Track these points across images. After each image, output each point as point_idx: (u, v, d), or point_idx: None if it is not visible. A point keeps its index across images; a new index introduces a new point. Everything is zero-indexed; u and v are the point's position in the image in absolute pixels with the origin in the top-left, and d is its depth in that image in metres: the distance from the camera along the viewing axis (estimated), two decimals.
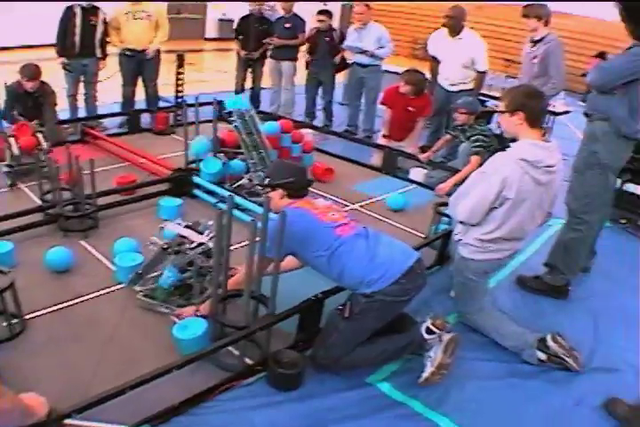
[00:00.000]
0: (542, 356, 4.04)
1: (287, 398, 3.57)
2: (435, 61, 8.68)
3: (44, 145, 6.50)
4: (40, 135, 6.58)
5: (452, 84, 8.24)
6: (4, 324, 3.91)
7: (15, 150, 6.37)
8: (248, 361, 3.76)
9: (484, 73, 8.21)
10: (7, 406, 2.10)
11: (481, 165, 4.16)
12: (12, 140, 6.40)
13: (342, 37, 9.41)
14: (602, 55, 15.31)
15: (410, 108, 7.75)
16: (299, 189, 3.86)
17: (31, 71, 7.02)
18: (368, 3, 8.91)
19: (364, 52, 8.88)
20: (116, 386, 3.06)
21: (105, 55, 8.57)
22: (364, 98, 9.54)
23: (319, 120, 10.21)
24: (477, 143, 6.86)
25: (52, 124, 7.38)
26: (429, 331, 3.74)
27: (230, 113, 6.06)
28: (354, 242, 3.60)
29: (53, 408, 2.72)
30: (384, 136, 8.25)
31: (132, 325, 4.14)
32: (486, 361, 4.13)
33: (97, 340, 3.95)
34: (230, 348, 3.81)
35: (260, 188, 5.92)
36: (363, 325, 3.64)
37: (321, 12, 9.43)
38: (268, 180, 3.89)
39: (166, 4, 9.61)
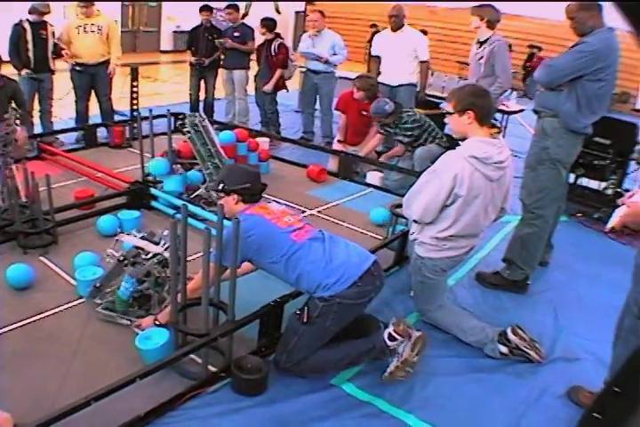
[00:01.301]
0: (504, 349, 4.11)
1: (253, 404, 3.58)
2: (375, 61, 8.82)
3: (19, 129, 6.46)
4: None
5: (396, 79, 8.41)
6: None
7: None
8: (212, 369, 3.77)
9: (426, 62, 8.45)
10: None
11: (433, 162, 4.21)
12: None
13: (280, 50, 9.45)
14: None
15: (364, 113, 7.84)
16: (254, 195, 3.85)
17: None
18: (322, 10, 9.03)
19: (319, 58, 8.94)
20: (80, 398, 3.06)
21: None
22: (319, 104, 9.62)
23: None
24: (409, 133, 7.27)
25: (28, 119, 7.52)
26: (392, 338, 3.77)
27: (184, 124, 6.08)
28: (310, 246, 3.63)
29: (18, 423, 2.72)
30: (339, 141, 8.36)
31: (95, 338, 4.13)
32: (449, 357, 4.18)
33: (61, 354, 3.94)
34: (194, 356, 3.83)
35: (215, 195, 5.97)
36: (322, 328, 3.65)
37: (264, 24, 9.49)
38: (221, 185, 3.84)
39: (118, 19, 9.61)
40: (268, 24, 9.39)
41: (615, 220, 3.27)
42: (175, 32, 22.57)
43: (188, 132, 5.99)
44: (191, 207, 5.31)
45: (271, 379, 3.73)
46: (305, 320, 3.61)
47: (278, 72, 9.44)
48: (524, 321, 4.40)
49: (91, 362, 3.88)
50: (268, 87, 9.48)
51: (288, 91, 9.93)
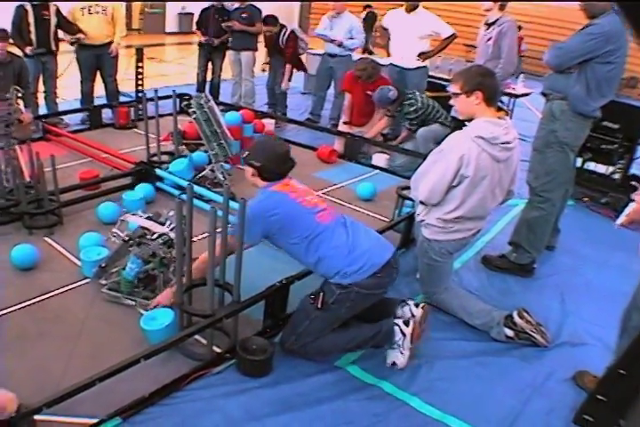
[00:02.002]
0: (510, 333, 4.09)
1: (258, 385, 3.58)
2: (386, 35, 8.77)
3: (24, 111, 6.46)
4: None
5: (407, 61, 8.27)
6: None
7: None
8: (217, 349, 3.77)
9: (452, 36, 8.18)
10: None
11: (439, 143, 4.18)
12: None
13: (288, 43, 9.44)
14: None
15: (368, 93, 7.81)
16: (270, 175, 3.74)
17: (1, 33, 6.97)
18: None
19: (332, 41, 8.89)
20: (84, 379, 3.06)
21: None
22: (334, 88, 9.50)
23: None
24: (412, 121, 7.41)
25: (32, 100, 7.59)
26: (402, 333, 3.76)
27: (189, 105, 6.04)
28: (333, 230, 3.60)
29: (23, 404, 2.72)
30: (345, 123, 8.32)
31: (100, 318, 4.13)
32: (455, 340, 4.17)
33: (65, 335, 3.94)
34: (199, 337, 3.83)
35: (222, 177, 5.95)
36: (335, 315, 3.65)
37: (266, 22, 9.44)
38: (246, 153, 3.80)
39: None
40: (270, 21, 9.36)
41: (624, 217, 3.27)
42: (180, 14, 22.45)
43: (194, 112, 5.94)
44: (196, 188, 5.28)
45: (276, 360, 3.72)
46: (319, 306, 3.59)
47: (288, 69, 9.49)
48: (530, 305, 4.37)
49: (96, 343, 3.88)
50: (285, 86, 9.55)
51: (307, 71, 9.92)
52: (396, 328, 3.73)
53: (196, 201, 4.56)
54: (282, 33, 9.33)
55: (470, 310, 4.28)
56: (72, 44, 8.39)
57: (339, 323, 3.73)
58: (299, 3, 25.58)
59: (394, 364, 3.77)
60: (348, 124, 8.23)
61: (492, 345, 4.13)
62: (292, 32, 9.38)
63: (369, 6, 19.68)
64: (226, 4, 9.92)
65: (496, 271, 5.16)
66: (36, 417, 2.92)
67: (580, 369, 3.84)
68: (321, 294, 3.61)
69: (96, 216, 5.54)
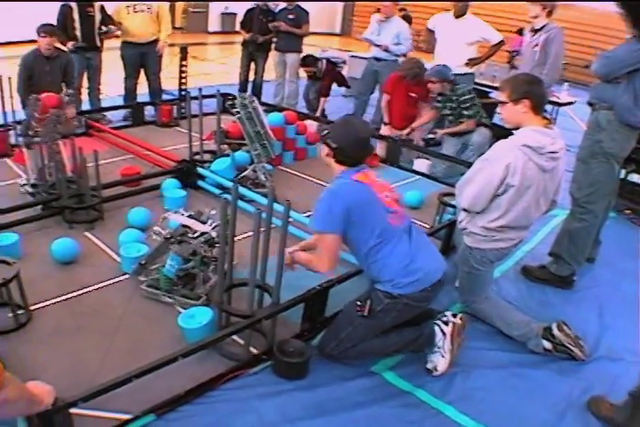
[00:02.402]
0: (548, 345, 4.03)
1: (293, 387, 3.57)
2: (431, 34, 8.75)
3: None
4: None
5: (453, 68, 8.03)
6: (10, 315, 3.93)
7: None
8: (253, 350, 3.77)
9: (500, 43, 8.17)
10: (14, 395, 2.10)
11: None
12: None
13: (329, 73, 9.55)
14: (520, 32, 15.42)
15: (411, 94, 7.76)
16: (345, 159, 3.53)
17: (47, 27, 7.06)
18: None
19: (378, 46, 8.85)
20: (121, 375, 3.07)
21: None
22: (378, 92, 9.37)
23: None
24: (467, 104, 7.14)
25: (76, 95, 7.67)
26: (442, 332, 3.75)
27: (234, 105, 6.05)
28: (400, 236, 3.51)
29: (59, 397, 2.73)
30: (385, 124, 8.26)
31: (138, 315, 4.15)
32: (492, 350, 4.11)
33: (103, 330, 3.96)
34: (236, 337, 3.83)
35: (263, 178, 5.95)
36: (379, 323, 3.62)
37: (305, 63, 9.55)
38: (325, 131, 3.58)
39: None
40: (310, 61, 9.56)
41: None
42: (224, 13, 22.57)
43: (238, 112, 5.95)
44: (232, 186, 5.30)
45: (312, 363, 3.71)
46: (366, 314, 3.55)
47: (322, 101, 9.68)
48: (568, 317, 4.29)
49: (133, 338, 3.89)
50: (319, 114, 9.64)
51: (349, 87, 9.95)
52: (437, 328, 3.73)
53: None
54: (319, 67, 9.39)
55: (509, 321, 4.22)
56: (100, 34, 8.42)
57: (381, 330, 3.70)
58: (341, 5, 25.60)
59: (434, 368, 3.74)
60: (389, 126, 8.16)
61: (529, 357, 4.06)
62: (328, 62, 9.44)
63: (403, 9, 19.57)
64: (270, 4, 9.93)
65: (535, 282, 5.09)
66: (72, 411, 2.92)
67: (594, 395, 3.71)
68: (368, 301, 3.55)
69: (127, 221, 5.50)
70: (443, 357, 3.71)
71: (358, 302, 3.59)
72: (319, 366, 3.74)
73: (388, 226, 3.44)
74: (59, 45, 7.36)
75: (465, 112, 7.29)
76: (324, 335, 3.83)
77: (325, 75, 9.52)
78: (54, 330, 3.95)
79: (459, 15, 8.02)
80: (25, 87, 7.11)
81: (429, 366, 3.76)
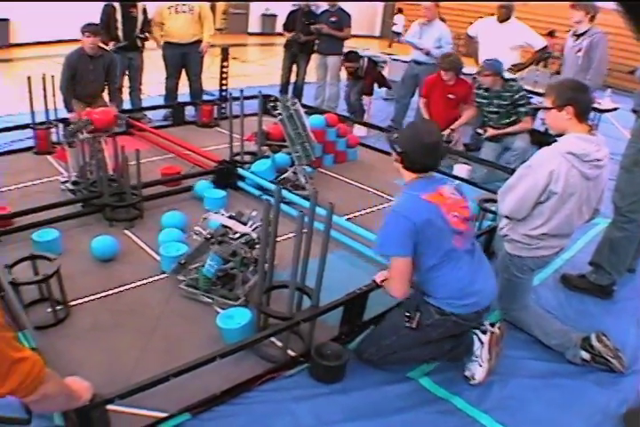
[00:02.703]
0: (586, 356, 3.96)
1: (329, 391, 3.56)
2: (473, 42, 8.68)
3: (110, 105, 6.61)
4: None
5: None
6: (49, 310, 3.98)
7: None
8: (291, 353, 3.76)
9: (544, 48, 8.14)
10: (53, 390, 2.11)
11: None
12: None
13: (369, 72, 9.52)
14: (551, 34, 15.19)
15: (450, 96, 7.68)
16: (413, 165, 3.41)
17: (91, 27, 7.14)
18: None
19: (420, 49, 8.80)
20: (159, 373, 3.09)
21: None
22: (418, 95, 9.14)
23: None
24: (523, 101, 6.94)
25: (117, 94, 7.86)
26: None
27: (276, 107, 6.06)
28: (462, 257, 3.42)
29: (97, 393, 2.75)
30: None
31: (176, 314, 4.17)
32: (529, 360, 4.06)
33: (140, 328, 3.99)
34: (273, 339, 3.83)
35: (303, 180, 5.93)
36: (425, 336, 3.57)
37: (348, 58, 9.50)
38: (394, 135, 3.47)
39: None
40: (353, 57, 9.48)
41: None
42: (264, 15, 22.66)
43: (280, 114, 5.96)
44: (274, 189, 5.30)
45: (349, 367, 3.68)
46: (414, 326, 3.51)
47: (367, 100, 9.74)
48: (607, 328, 4.25)
49: (170, 337, 3.91)
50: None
51: (391, 88, 9.90)
52: (475, 337, 3.68)
53: None
54: (360, 64, 9.36)
55: (547, 330, 4.17)
56: (140, 39, 8.54)
57: (423, 343, 3.66)
58: (381, 7, 25.60)
59: (472, 377, 3.70)
60: None
61: (566, 367, 4.00)
62: (370, 60, 9.39)
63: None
64: (312, 6, 9.93)
65: (574, 291, 5.01)
66: (108, 407, 2.93)
67: (631, 407, 3.63)
68: (418, 314, 3.50)
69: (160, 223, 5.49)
70: (480, 366, 3.67)
71: (407, 314, 3.54)
72: (355, 370, 3.72)
73: (451, 248, 3.35)
74: (102, 45, 7.41)
75: (522, 109, 7.07)
76: (365, 340, 3.81)
77: (367, 73, 9.48)
78: (92, 326, 3.98)
79: (503, 19, 7.96)
80: (68, 86, 7.19)
81: (467, 373, 3.72)
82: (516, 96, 6.95)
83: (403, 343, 3.61)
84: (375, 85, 9.93)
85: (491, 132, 7.36)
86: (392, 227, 3.28)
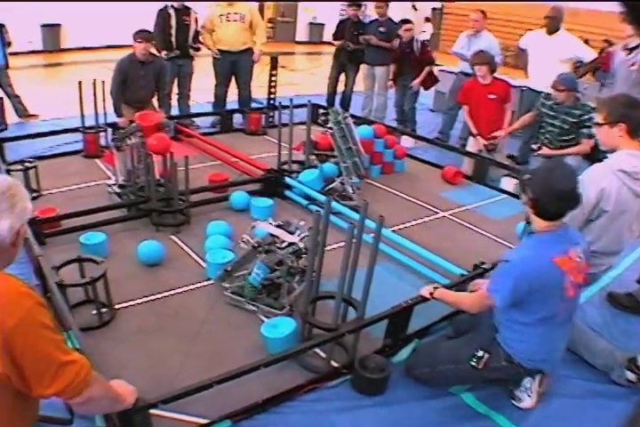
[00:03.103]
0: (632, 376, 3.88)
1: (371, 403, 3.54)
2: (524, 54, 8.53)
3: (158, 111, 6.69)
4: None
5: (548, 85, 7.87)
6: (94, 312, 4.03)
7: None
8: (334, 364, 3.74)
9: (595, 61, 8.01)
10: (98, 393, 2.14)
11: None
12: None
13: (424, 49, 9.33)
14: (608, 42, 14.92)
15: (491, 96, 7.48)
16: (543, 212, 3.21)
17: (144, 33, 7.22)
18: (483, 10, 8.76)
19: (468, 60, 8.68)
20: (203, 380, 3.10)
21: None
22: None
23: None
24: (588, 123, 6.56)
25: (166, 100, 7.92)
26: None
27: (327, 120, 6.06)
28: (556, 325, 3.33)
29: (141, 397, 2.76)
30: (473, 136, 7.85)
31: (220, 320, 4.18)
32: (573, 379, 3.97)
33: (184, 333, 4.01)
34: (316, 349, 3.82)
35: (351, 191, 5.90)
36: (482, 375, 3.49)
37: (406, 21, 9.34)
38: (527, 176, 3.24)
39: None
40: (411, 25, 9.31)
41: None
42: (311, 23, 22.73)
43: (331, 128, 5.96)
44: (324, 200, 5.28)
45: (391, 380, 3.65)
46: (480, 367, 3.42)
47: (427, 68, 9.28)
48: None
49: (213, 343, 3.93)
50: (416, 83, 9.33)
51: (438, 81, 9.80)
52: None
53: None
54: (414, 40, 9.25)
55: (593, 349, 4.10)
56: (191, 48, 8.67)
57: (478, 378, 3.59)
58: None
59: (519, 403, 3.62)
60: (479, 137, 7.72)
61: (611, 388, 3.91)
62: (424, 42, 9.30)
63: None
64: (361, 16, 9.92)
65: (621, 310, 4.92)
66: (151, 411, 2.95)
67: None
68: (487, 355, 3.42)
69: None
70: (529, 396, 3.59)
71: (476, 353, 3.44)
72: (398, 383, 3.69)
73: (552, 314, 3.25)
74: (153, 51, 7.50)
75: (585, 130, 6.67)
76: (419, 358, 3.76)
77: (424, 50, 9.28)
78: (136, 330, 4.03)
79: (551, 31, 7.85)
80: (118, 91, 7.28)
81: (515, 402, 3.63)
82: (585, 117, 6.73)
83: (458, 375, 3.54)
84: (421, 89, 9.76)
85: (546, 151, 7.00)
86: (501, 275, 3.21)
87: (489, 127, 7.53)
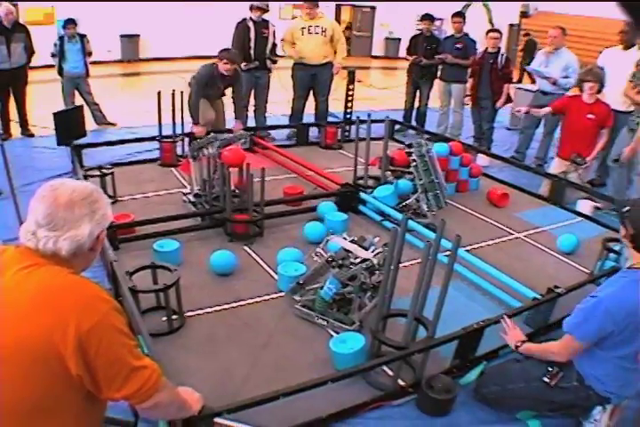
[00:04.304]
0: None
1: (436, 424, 3.50)
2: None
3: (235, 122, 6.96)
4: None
5: (623, 104, 7.55)
6: (164, 318, 4.10)
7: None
8: (400, 382, 3.71)
9: None
10: (166, 399, 2.17)
11: None
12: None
13: (507, 64, 9.16)
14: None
15: (590, 116, 7.14)
16: None
17: (233, 55, 7.43)
18: (563, 26, 8.60)
19: (547, 78, 8.53)
20: (270, 391, 3.11)
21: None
22: (543, 127, 8.98)
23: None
24: None
25: (241, 103, 8.08)
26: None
27: (411, 153, 6.02)
28: (634, 365, 3.24)
29: (207, 406, 2.79)
30: (558, 156, 7.66)
31: (289, 333, 4.19)
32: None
33: (252, 344, 4.04)
34: (385, 367, 3.80)
35: (425, 208, 5.85)
36: (552, 395, 3.42)
37: (494, 30, 9.26)
38: (627, 209, 3.11)
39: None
40: (499, 34, 9.22)
41: None
42: (387, 38, 22.78)
43: (414, 160, 5.91)
44: (399, 217, 5.27)
45: (457, 402, 3.61)
46: (552, 384, 3.38)
47: (506, 87, 9.15)
48: None
49: (281, 355, 3.94)
50: (500, 104, 9.25)
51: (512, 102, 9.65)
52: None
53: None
54: (499, 53, 9.11)
55: None
56: (269, 59, 8.82)
57: (547, 401, 3.49)
58: (506, 34, 25.34)
59: None
60: (561, 158, 7.55)
61: None
62: (508, 57, 9.18)
63: (528, 34, 18.58)
64: (435, 31, 9.88)
65: None
66: (215, 420, 2.97)
67: None
68: (561, 373, 3.38)
69: (300, 234, 5.62)
70: None
71: (550, 369, 3.41)
72: (463, 406, 3.64)
73: (632, 359, 3.18)
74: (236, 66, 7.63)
75: None
76: (489, 376, 3.70)
77: (507, 64, 9.12)
78: (205, 338, 4.06)
79: (627, 46, 7.64)
80: (197, 98, 7.47)
81: None
82: None
83: (528, 394, 3.46)
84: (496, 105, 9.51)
85: (629, 150, 6.85)
86: (585, 313, 3.09)
87: (576, 146, 7.29)
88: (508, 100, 9.50)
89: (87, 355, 1.87)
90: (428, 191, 6.01)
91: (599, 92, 7.16)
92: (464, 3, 20.97)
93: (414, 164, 5.93)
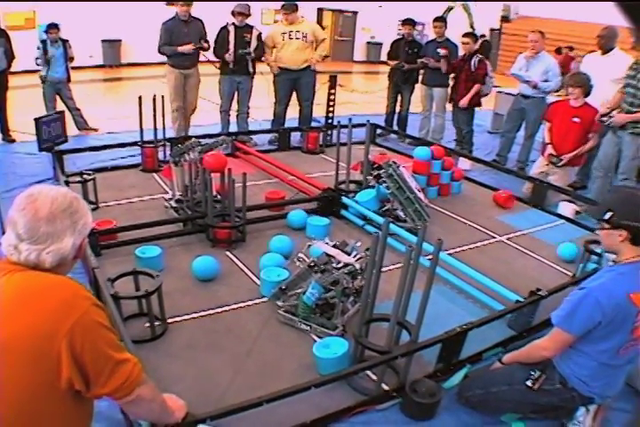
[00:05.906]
0: None
1: None
2: None
3: None
4: None
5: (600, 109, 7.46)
6: (147, 325, 4.08)
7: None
8: (384, 387, 3.71)
9: None
10: (149, 394, 2.19)
11: None
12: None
13: (480, 65, 9.15)
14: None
15: (575, 119, 7.25)
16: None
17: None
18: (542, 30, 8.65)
19: (527, 82, 8.57)
20: (253, 397, 3.10)
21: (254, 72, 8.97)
22: (524, 129, 9.07)
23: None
24: None
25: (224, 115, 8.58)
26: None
27: (380, 175, 6.00)
28: (618, 366, 3.26)
29: (190, 413, 2.78)
30: (545, 144, 7.67)
31: (272, 339, 4.18)
32: (627, 413, 3.83)
33: (235, 349, 4.02)
34: (368, 371, 3.79)
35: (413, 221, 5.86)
36: (535, 398, 3.41)
37: (465, 35, 9.29)
38: (609, 214, 3.09)
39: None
40: (474, 36, 9.29)
41: None
42: (369, 43, 22.87)
43: (384, 181, 5.87)
44: (381, 221, 5.26)
45: (441, 405, 3.60)
46: (535, 388, 3.37)
47: (476, 87, 9.15)
48: None
49: (264, 361, 3.92)
50: (464, 102, 9.23)
51: (481, 106, 9.69)
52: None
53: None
54: (474, 56, 9.14)
55: None
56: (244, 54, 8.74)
57: (530, 403, 3.49)
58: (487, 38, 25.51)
59: None
60: (552, 149, 7.52)
61: None
62: (483, 60, 9.20)
63: (483, 35, 18.19)
64: (417, 35, 9.90)
65: None
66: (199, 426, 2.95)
67: None
68: (543, 377, 3.37)
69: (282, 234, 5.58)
70: None
71: (532, 373, 3.40)
72: (448, 409, 3.64)
73: (614, 350, 3.16)
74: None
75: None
76: (473, 380, 3.71)
77: (480, 65, 9.10)
78: (187, 344, 4.04)
79: (605, 51, 7.70)
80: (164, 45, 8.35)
81: None
82: None
83: (511, 397, 3.46)
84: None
85: (619, 117, 6.86)
86: (573, 304, 3.08)
87: (562, 149, 7.39)
88: (478, 102, 9.54)
89: (74, 351, 1.89)
90: (407, 208, 5.96)
91: (587, 96, 7.19)
92: (445, 6, 21.11)
93: (386, 185, 5.90)
